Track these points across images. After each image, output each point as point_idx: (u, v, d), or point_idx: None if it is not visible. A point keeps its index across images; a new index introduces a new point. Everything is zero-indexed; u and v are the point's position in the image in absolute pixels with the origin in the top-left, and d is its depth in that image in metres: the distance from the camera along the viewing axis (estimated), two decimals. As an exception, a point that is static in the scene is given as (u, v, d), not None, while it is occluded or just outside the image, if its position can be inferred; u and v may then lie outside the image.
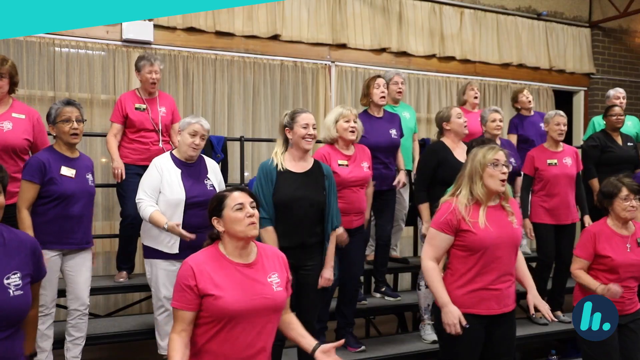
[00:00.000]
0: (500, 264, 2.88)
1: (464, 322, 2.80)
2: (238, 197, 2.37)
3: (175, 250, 3.46)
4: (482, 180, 2.88)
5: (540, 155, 4.67)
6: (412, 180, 5.12)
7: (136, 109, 4.38)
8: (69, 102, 3.47)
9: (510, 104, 7.49)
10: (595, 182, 5.10)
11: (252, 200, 2.39)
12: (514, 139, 5.61)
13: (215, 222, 2.38)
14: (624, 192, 3.40)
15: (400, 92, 4.96)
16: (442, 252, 2.93)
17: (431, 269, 2.91)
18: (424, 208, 4.09)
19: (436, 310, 2.99)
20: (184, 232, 3.35)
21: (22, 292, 2.04)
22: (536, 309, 3.02)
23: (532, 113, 5.69)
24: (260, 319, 2.31)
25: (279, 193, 3.28)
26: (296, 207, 3.30)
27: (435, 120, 4.28)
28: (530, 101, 5.65)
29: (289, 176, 3.33)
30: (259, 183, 3.30)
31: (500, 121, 4.63)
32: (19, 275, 2.04)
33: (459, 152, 4.06)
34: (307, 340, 2.46)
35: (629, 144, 5.25)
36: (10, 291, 2.01)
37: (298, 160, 3.39)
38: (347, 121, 3.77)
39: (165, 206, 3.46)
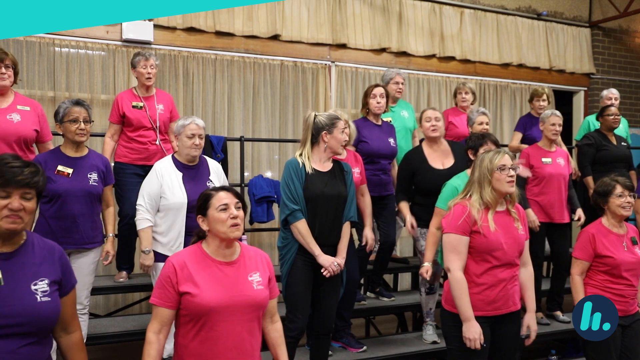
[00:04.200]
0: (505, 266, 2.92)
1: (482, 341, 2.83)
2: (223, 197, 2.36)
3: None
4: (491, 186, 2.91)
5: (535, 153, 4.67)
6: None
7: (133, 107, 4.37)
8: (77, 102, 3.47)
9: (511, 104, 7.56)
10: (590, 180, 5.11)
11: (237, 201, 2.39)
12: (518, 136, 5.61)
13: (200, 220, 2.39)
14: (618, 189, 3.45)
15: (400, 92, 4.99)
16: (466, 257, 2.92)
17: (461, 281, 2.88)
18: (404, 206, 4.15)
19: (444, 315, 3.01)
20: (149, 267, 3.49)
21: (49, 298, 2.01)
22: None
23: None
24: (240, 318, 2.30)
25: (309, 190, 3.31)
26: (326, 204, 3.34)
27: None
28: (542, 108, 5.61)
29: (317, 175, 3.36)
30: (289, 179, 3.31)
31: (487, 124, 4.54)
32: (46, 282, 2.02)
33: (436, 156, 4.09)
34: None
35: (622, 143, 5.29)
36: (38, 297, 1.98)
37: (324, 161, 3.42)
38: None
39: (168, 211, 3.45)
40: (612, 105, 5.41)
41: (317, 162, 3.40)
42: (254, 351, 2.36)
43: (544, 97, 5.61)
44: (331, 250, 3.39)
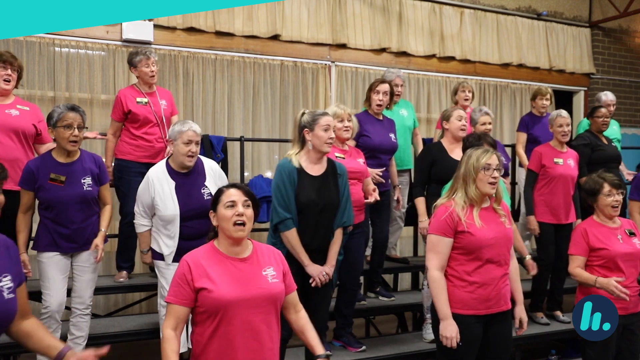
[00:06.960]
0: (496, 263, 2.92)
1: (458, 340, 2.85)
2: (232, 194, 2.38)
3: (169, 262, 3.43)
4: (475, 183, 2.93)
5: (548, 153, 4.68)
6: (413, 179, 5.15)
7: (138, 102, 4.37)
8: (73, 108, 3.39)
9: (511, 104, 7.56)
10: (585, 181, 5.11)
11: (246, 199, 2.39)
12: (523, 137, 5.60)
13: (211, 215, 2.42)
14: (606, 188, 3.44)
15: (399, 95, 5.02)
16: (446, 257, 2.94)
17: (437, 280, 2.92)
18: (420, 202, 4.20)
19: (434, 312, 3.01)
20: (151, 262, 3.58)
21: (13, 295, 1.95)
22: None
23: (545, 114, 5.67)
24: (257, 311, 2.31)
25: (299, 198, 3.24)
26: (315, 212, 3.27)
27: (440, 117, 4.40)
28: (544, 107, 5.61)
29: (308, 179, 3.29)
30: (281, 184, 3.23)
31: (490, 124, 4.54)
32: (9, 277, 1.95)
33: (457, 151, 4.09)
34: (314, 349, 2.51)
35: (612, 143, 5.32)
36: (4, 294, 1.92)
37: (315, 163, 3.34)
38: (341, 121, 3.80)
39: (161, 222, 3.44)
40: (602, 107, 5.36)
41: (308, 163, 3.31)
42: (273, 344, 2.37)
43: (548, 96, 5.63)
44: (319, 255, 3.33)
